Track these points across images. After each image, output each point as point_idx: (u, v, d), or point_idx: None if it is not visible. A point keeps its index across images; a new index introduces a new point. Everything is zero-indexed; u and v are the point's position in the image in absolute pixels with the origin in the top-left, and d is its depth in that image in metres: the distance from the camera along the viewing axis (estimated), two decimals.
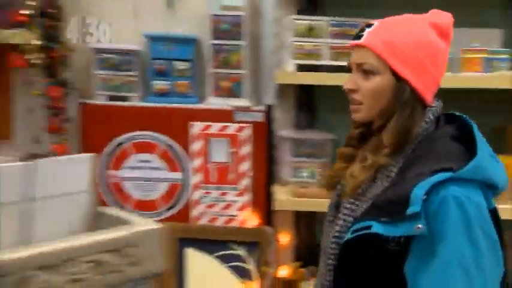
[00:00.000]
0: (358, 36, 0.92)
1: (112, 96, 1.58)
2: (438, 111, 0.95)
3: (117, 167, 1.59)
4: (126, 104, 1.58)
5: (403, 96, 0.90)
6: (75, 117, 1.57)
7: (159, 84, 1.58)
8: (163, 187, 1.60)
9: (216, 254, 1.60)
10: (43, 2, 1.38)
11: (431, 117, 0.93)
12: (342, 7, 1.60)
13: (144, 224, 0.68)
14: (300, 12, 1.55)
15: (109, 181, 1.59)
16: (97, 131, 1.57)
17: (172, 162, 1.60)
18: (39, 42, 1.34)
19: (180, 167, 1.60)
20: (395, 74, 0.89)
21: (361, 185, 0.93)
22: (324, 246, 1.03)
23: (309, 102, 1.66)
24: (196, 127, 1.59)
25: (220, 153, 1.61)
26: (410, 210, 0.78)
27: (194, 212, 1.63)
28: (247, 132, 1.59)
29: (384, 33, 0.90)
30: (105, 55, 1.54)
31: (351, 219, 0.93)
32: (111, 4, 1.59)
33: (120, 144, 1.58)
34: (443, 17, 0.95)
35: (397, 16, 0.98)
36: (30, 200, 0.65)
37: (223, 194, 1.62)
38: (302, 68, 1.46)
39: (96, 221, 0.77)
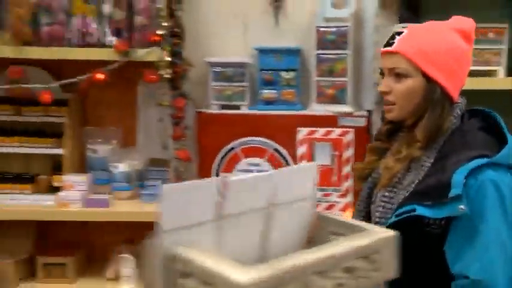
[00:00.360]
0: (390, 44, 0.99)
1: (224, 105, 1.71)
2: (463, 107, 1.04)
3: (229, 169, 1.71)
4: (237, 112, 1.71)
5: (434, 96, 0.98)
6: (191, 125, 1.72)
7: (267, 93, 1.69)
8: None
9: None
10: (171, 23, 1.54)
11: (459, 112, 1.02)
12: (441, 14, 1.63)
13: (381, 231, 0.69)
14: (401, 20, 1.61)
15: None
16: (211, 137, 1.71)
17: (279, 165, 1.70)
18: (169, 59, 1.50)
19: None
20: (426, 77, 0.97)
21: (396, 175, 1.01)
22: None
23: None
24: (302, 132, 1.68)
25: (323, 157, 1.68)
26: (452, 193, 0.87)
27: None
28: (349, 136, 1.66)
29: (415, 39, 0.98)
30: (219, 68, 1.68)
31: (389, 205, 1.00)
32: (223, 23, 1.75)
33: (231, 149, 1.70)
34: (466, 22, 1.03)
35: (424, 23, 1.06)
36: (271, 206, 0.68)
37: (327, 195, 1.69)
38: None
39: (320, 226, 0.78)
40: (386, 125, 1.11)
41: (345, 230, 0.72)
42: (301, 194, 0.72)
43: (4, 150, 1.67)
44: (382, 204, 1.02)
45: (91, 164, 1.73)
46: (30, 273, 1.70)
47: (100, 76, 1.46)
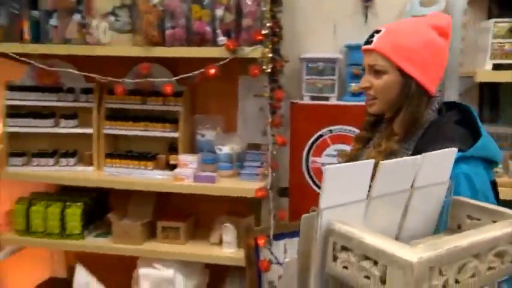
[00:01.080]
0: (369, 42, 0.98)
1: (314, 96, 1.77)
2: (441, 100, 1.03)
3: (317, 154, 1.79)
4: (326, 102, 1.77)
5: (409, 90, 0.96)
6: (286, 114, 1.80)
7: (354, 85, 1.73)
8: None
9: None
10: (272, 24, 1.62)
11: (437, 105, 1.01)
12: None
13: None
14: (490, 16, 1.56)
15: (311, 166, 1.80)
16: (303, 125, 1.79)
17: None
18: (270, 55, 1.58)
19: None
20: (401, 72, 0.95)
21: None
22: None
23: (493, 98, 1.65)
24: None
25: None
26: None
27: None
28: None
29: (391, 37, 0.96)
30: (312, 64, 1.74)
31: None
32: (316, 23, 1.80)
33: (320, 136, 1.77)
34: (443, 19, 1.00)
35: (402, 20, 1.04)
36: (413, 188, 0.68)
37: None
38: (497, 67, 1.47)
39: (452, 209, 0.76)
40: (369, 117, 1.11)
41: (480, 214, 0.70)
42: (439, 178, 0.72)
43: (131, 133, 1.88)
44: None
45: (200, 146, 1.89)
46: (152, 235, 1.89)
47: (212, 71, 1.58)
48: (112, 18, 1.65)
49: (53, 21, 1.69)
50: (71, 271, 2.21)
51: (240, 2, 1.60)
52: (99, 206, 2.02)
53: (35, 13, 1.71)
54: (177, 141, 1.84)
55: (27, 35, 1.73)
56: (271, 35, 1.62)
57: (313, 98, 1.78)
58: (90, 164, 1.92)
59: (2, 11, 1.73)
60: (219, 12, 1.60)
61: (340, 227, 0.57)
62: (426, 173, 0.68)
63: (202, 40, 1.60)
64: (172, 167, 1.82)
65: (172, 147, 1.88)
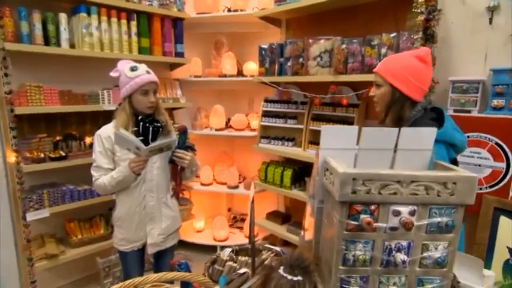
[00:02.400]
0: (375, 67, 1.36)
1: (457, 109, 1.96)
2: (425, 104, 1.29)
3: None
4: (468, 114, 1.93)
5: (394, 97, 1.27)
6: None
7: (497, 101, 1.83)
8: (487, 171, 1.85)
9: None
10: None
11: (419, 108, 1.27)
12: None
13: (464, 172, 0.75)
14: None
15: None
16: None
17: (498, 155, 1.81)
18: None
19: (504, 159, 1.79)
20: (390, 85, 1.26)
21: None
22: None
23: None
24: None
25: None
26: None
27: None
28: None
29: (386, 63, 1.31)
30: (458, 84, 1.95)
31: None
32: (467, 53, 1.99)
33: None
34: (422, 51, 1.26)
35: (397, 53, 1.36)
36: (396, 149, 0.83)
37: None
38: None
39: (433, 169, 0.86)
40: (382, 114, 1.36)
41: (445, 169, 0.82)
42: (421, 146, 0.84)
43: None
44: None
45: None
46: None
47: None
48: (319, 59, 2.40)
49: (289, 63, 2.60)
50: (286, 209, 3.13)
51: (399, 42, 2.01)
52: (303, 172, 2.82)
53: (282, 59, 2.67)
54: None
55: (276, 72, 2.72)
56: None
57: (455, 111, 1.97)
58: (300, 146, 2.74)
59: (267, 59, 2.78)
60: (383, 50, 2.08)
61: (328, 160, 0.80)
62: (407, 141, 0.82)
63: (370, 69, 2.12)
64: None
65: None
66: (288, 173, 2.75)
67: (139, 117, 1.72)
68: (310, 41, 2.42)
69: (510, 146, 1.78)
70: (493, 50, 1.89)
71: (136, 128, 1.70)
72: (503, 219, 1.79)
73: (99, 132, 1.76)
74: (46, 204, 2.29)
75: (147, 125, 1.70)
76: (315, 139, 2.69)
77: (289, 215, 3.09)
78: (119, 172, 1.68)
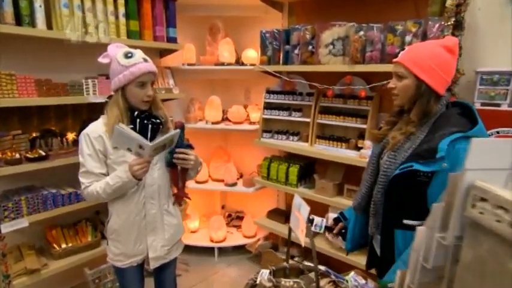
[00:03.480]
0: (396, 57, 1.22)
1: (485, 103, 1.83)
2: (448, 98, 1.20)
3: None
4: (497, 108, 1.80)
5: (421, 90, 1.15)
6: None
7: None
8: None
9: None
10: None
11: (444, 102, 1.18)
12: None
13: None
14: None
15: None
16: None
17: None
18: None
19: None
20: (416, 77, 1.15)
21: (398, 143, 1.19)
22: (367, 178, 1.34)
23: None
24: None
25: None
26: (439, 155, 1.04)
27: None
28: None
29: (410, 53, 1.18)
30: (487, 76, 1.81)
31: (393, 161, 1.18)
32: (495, 43, 1.85)
33: (490, 134, 1.81)
34: (450, 40, 1.16)
35: (422, 42, 1.25)
36: None
37: None
38: None
39: None
40: (396, 107, 1.29)
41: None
42: None
43: (335, 123, 2.39)
44: (389, 160, 1.20)
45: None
46: (340, 192, 2.37)
47: None
48: (331, 46, 2.19)
49: (297, 51, 2.37)
50: (288, 206, 2.95)
51: (426, 29, 1.83)
52: (308, 169, 2.64)
53: (287, 47, 2.43)
54: (365, 131, 2.23)
55: (281, 60, 2.48)
56: None
57: (483, 105, 1.83)
58: (307, 141, 2.55)
59: (269, 46, 2.54)
60: (408, 38, 1.89)
61: (481, 184, 0.59)
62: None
63: (392, 59, 1.92)
64: (359, 149, 2.23)
65: (360, 134, 2.29)
66: (294, 170, 2.56)
67: (135, 113, 1.46)
68: (322, 26, 2.20)
69: None
70: None
71: (132, 126, 1.43)
72: None
73: (87, 131, 1.47)
74: (24, 212, 1.95)
75: (145, 121, 1.44)
76: (322, 133, 2.50)
77: None
78: (116, 178, 1.40)
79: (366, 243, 1.49)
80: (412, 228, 1.09)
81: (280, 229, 2.74)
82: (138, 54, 1.44)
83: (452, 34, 1.78)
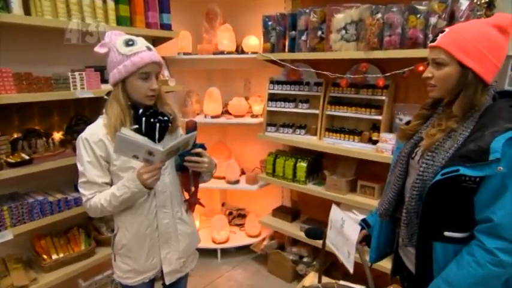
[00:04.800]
0: (434, 40, 1.00)
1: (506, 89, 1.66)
2: (496, 88, 1.01)
3: None
4: None
5: (466, 80, 0.96)
6: None
7: None
8: None
9: None
10: None
11: (492, 92, 1.00)
12: None
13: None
14: None
15: None
16: None
17: None
18: None
19: None
20: (460, 64, 0.95)
21: (436, 141, 1.00)
22: (395, 180, 1.15)
23: None
24: None
25: None
26: (493, 156, 0.87)
27: None
28: None
29: (453, 35, 0.97)
30: None
31: (431, 162, 0.99)
32: None
33: None
34: (504, 18, 0.96)
35: (467, 22, 1.02)
36: None
37: None
38: None
39: None
40: (429, 99, 1.12)
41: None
42: None
43: (346, 114, 2.22)
44: (426, 161, 1.02)
45: (397, 127, 2.05)
46: (353, 189, 2.21)
47: (421, 68, 1.72)
48: (343, 31, 1.99)
49: (304, 37, 2.16)
50: (293, 203, 2.79)
51: (454, 9, 1.64)
52: (317, 164, 2.46)
53: (294, 33, 2.22)
54: (380, 122, 2.06)
55: (287, 47, 2.27)
56: None
57: None
58: (315, 134, 2.37)
59: (272, 32, 2.32)
60: (433, 20, 1.70)
61: None
62: None
63: (414, 44, 1.75)
64: (373, 142, 2.06)
65: (374, 126, 2.12)
66: (303, 166, 2.38)
67: (140, 111, 1.26)
68: (333, 9, 2.00)
69: None
70: None
71: (137, 126, 1.24)
72: None
73: (85, 135, 1.26)
74: (8, 223, 1.72)
75: (152, 120, 1.26)
76: (332, 126, 2.32)
77: (298, 210, 2.74)
78: (123, 188, 1.21)
79: (391, 251, 1.34)
80: (455, 240, 1.00)
81: (287, 228, 2.58)
82: (141, 41, 1.25)
83: (485, 15, 1.60)
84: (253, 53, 2.56)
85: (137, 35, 1.41)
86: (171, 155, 1.22)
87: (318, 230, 1.35)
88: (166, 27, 2.38)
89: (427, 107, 1.15)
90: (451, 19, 1.66)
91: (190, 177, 1.45)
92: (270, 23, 2.32)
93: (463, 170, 0.91)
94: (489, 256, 0.92)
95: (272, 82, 2.50)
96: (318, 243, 1.71)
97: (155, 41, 2.54)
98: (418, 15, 1.73)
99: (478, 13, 1.55)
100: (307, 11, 2.12)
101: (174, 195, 1.39)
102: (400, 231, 1.17)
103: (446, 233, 1.00)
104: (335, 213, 1.03)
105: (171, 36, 2.44)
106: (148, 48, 1.24)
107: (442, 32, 1.02)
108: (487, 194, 0.93)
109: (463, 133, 0.99)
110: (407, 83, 2.06)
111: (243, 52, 2.64)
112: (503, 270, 0.94)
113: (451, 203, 0.97)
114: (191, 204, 1.48)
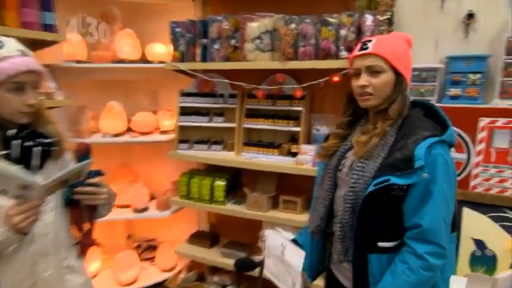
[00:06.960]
0: (365, 48, 1.03)
1: (416, 99, 1.80)
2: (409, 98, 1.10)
3: None
4: None
5: (402, 86, 1.04)
6: None
7: (453, 90, 1.74)
8: None
9: (489, 215, 1.66)
10: None
11: (409, 101, 1.09)
12: None
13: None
14: None
15: None
16: None
17: (459, 146, 1.73)
18: None
19: (465, 150, 1.73)
20: (396, 72, 1.02)
21: (371, 148, 1.01)
22: (324, 195, 1.13)
23: None
24: (484, 121, 1.68)
25: (501, 141, 1.65)
26: (417, 164, 0.91)
27: (472, 183, 1.72)
28: None
29: (385, 45, 1.02)
30: (416, 72, 1.79)
31: (362, 173, 1.00)
32: (419, 39, 1.85)
33: None
34: (408, 35, 1.10)
35: (387, 35, 1.15)
36: None
37: (499, 171, 1.66)
38: None
39: None
40: (347, 117, 1.17)
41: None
42: None
43: (262, 127, 2.12)
44: (356, 172, 1.02)
45: (315, 138, 2.06)
46: (275, 205, 2.10)
47: (336, 78, 1.74)
48: (258, 41, 1.91)
49: (216, 46, 2.01)
50: (212, 227, 2.54)
51: (361, 23, 1.71)
52: (236, 181, 2.29)
53: (205, 41, 2.05)
54: (298, 134, 2.03)
55: (198, 57, 2.09)
56: None
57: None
58: (232, 149, 2.21)
59: (182, 40, 2.12)
60: (343, 32, 1.74)
61: None
62: None
63: (327, 54, 1.77)
64: (292, 154, 2.01)
65: (293, 138, 2.08)
66: (221, 185, 2.17)
67: (8, 132, 0.98)
68: (247, 18, 1.91)
69: (472, 137, 1.72)
70: (444, 36, 1.80)
71: (7, 151, 0.95)
72: (466, 211, 1.73)
73: None
74: None
75: (27, 143, 0.99)
76: (249, 139, 2.20)
77: (217, 234, 2.50)
78: None
79: (323, 269, 1.29)
80: (388, 250, 1.00)
81: (206, 255, 2.31)
82: (11, 43, 1.01)
83: (388, 31, 1.71)
84: (160, 62, 2.29)
85: (8, 37, 1.07)
86: (55, 188, 0.94)
87: (249, 261, 1.20)
88: (49, 28, 1.95)
89: (343, 127, 1.17)
90: (359, 33, 1.73)
91: (83, 212, 1.12)
92: (178, 29, 2.11)
93: (393, 179, 0.93)
94: (420, 261, 0.94)
95: (183, 94, 2.27)
96: None
97: (34, 45, 2.05)
98: (329, 27, 1.76)
99: (381, 28, 1.65)
100: (220, 18, 1.99)
101: (59, 237, 1.07)
102: (333, 247, 1.12)
103: (380, 244, 1.00)
104: (273, 238, 0.88)
105: (56, 40, 2.00)
106: (23, 53, 0.99)
107: (369, 41, 1.04)
108: (414, 201, 0.96)
109: (388, 142, 1.02)
110: (322, 93, 2.09)
111: (148, 61, 2.35)
112: (433, 274, 0.95)
113: (383, 213, 0.98)
114: (84, 246, 1.13)
